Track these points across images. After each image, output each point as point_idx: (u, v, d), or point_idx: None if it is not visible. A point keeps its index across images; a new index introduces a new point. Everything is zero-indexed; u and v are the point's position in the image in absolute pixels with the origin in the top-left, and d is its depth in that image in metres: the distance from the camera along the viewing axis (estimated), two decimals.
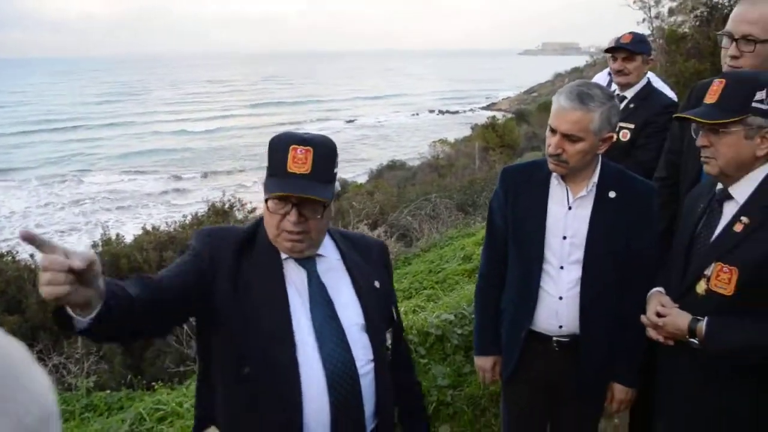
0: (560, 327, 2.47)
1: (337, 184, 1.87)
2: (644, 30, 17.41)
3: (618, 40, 3.87)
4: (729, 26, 2.52)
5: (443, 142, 35.51)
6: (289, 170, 1.75)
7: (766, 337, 2.00)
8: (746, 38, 2.44)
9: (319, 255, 1.91)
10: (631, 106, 3.70)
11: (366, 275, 1.98)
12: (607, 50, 3.99)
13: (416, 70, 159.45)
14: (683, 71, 12.13)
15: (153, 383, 5.52)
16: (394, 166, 33.52)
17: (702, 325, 2.09)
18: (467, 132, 39.93)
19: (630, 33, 3.93)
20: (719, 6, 12.29)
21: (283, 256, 1.87)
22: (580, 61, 64.53)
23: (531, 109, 46.10)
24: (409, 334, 4.32)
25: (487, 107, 70.86)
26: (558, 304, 2.46)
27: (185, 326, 6.73)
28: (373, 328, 1.90)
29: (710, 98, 2.10)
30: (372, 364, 1.88)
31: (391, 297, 2.13)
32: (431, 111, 76.16)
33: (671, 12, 17.47)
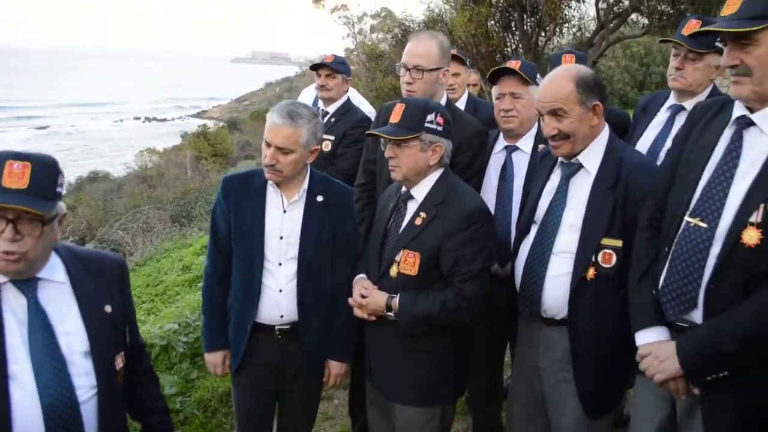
0: (281, 317, 2.78)
1: (62, 204, 1.86)
2: (349, 44, 18.86)
3: (322, 58, 4.37)
4: (403, 59, 3.10)
5: (152, 151, 34.00)
6: (4, 185, 1.71)
7: (433, 310, 2.52)
8: (417, 68, 3.02)
9: (42, 278, 1.87)
10: (333, 120, 4.23)
11: (96, 299, 1.97)
12: (312, 67, 4.49)
13: (122, 73, 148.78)
14: (382, 86, 13.57)
15: None
16: (96, 177, 31.19)
17: (396, 300, 2.57)
18: (177, 141, 38.75)
19: (332, 55, 4.49)
20: (410, 29, 13.93)
21: (2, 279, 1.81)
22: (291, 71, 66.58)
23: (243, 117, 46.51)
24: None
25: (198, 115, 69.57)
26: (279, 297, 2.76)
27: None
28: (98, 354, 1.92)
29: (394, 118, 2.60)
30: (95, 390, 1.91)
31: (129, 318, 2.16)
32: (137, 118, 71.87)
33: (372, 29, 19.22)
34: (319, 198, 2.79)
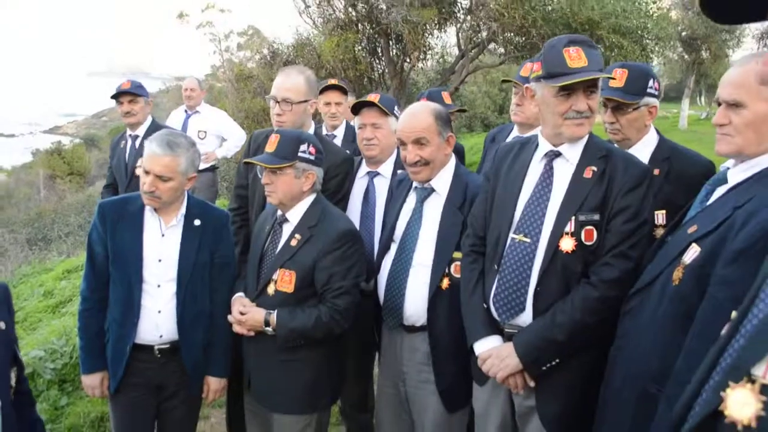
0: (161, 336, 2.89)
1: None
2: (215, 61, 18.52)
3: (119, 88, 4.72)
4: (273, 92, 3.35)
5: None
6: None
7: (309, 323, 2.74)
8: (286, 101, 3.28)
9: None
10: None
11: None
12: (113, 97, 4.78)
13: None
14: (251, 107, 13.56)
15: None
16: None
17: (273, 316, 2.77)
18: (28, 158, 36.10)
19: (128, 80, 4.82)
20: (279, 52, 14.04)
21: None
22: (152, 86, 63.94)
23: (101, 134, 44.14)
24: None
25: (51, 131, 65.12)
26: (158, 317, 2.88)
27: None
28: None
29: (270, 148, 2.82)
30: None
31: (13, 337, 2.25)
32: None
33: (239, 47, 19.04)
34: (197, 222, 2.94)
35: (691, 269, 1.88)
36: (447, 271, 2.74)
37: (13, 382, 2.11)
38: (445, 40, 14.41)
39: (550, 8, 11.56)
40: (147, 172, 2.78)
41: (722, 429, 0.96)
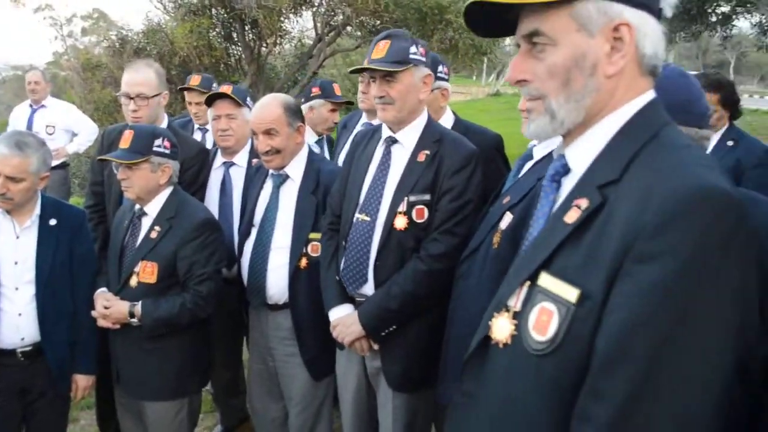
0: (22, 339, 2.86)
1: None
2: (58, 48, 17.34)
3: None
4: (125, 89, 3.38)
5: None
6: None
7: (173, 311, 2.85)
8: (140, 96, 3.33)
9: None
10: None
11: None
12: None
13: None
14: (101, 98, 12.88)
15: None
16: None
17: (138, 308, 2.86)
18: None
19: None
20: (129, 39, 13.42)
21: None
22: None
23: None
24: None
25: None
26: (18, 320, 2.85)
27: None
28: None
29: (124, 144, 2.88)
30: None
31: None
32: None
33: (84, 32, 17.92)
34: (52, 221, 2.93)
35: (506, 233, 2.18)
36: (305, 251, 2.95)
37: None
38: (303, 25, 14.45)
39: None
40: None
41: (491, 349, 1.26)
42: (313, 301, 2.91)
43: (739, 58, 52.16)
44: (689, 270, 0.97)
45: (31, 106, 6.82)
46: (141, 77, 3.36)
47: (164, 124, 3.42)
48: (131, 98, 3.34)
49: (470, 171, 2.59)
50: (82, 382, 3.07)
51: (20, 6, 15.75)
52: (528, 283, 1.19)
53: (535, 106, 1.25)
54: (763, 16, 15.23)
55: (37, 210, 2.91)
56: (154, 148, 2.88)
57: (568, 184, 1.25)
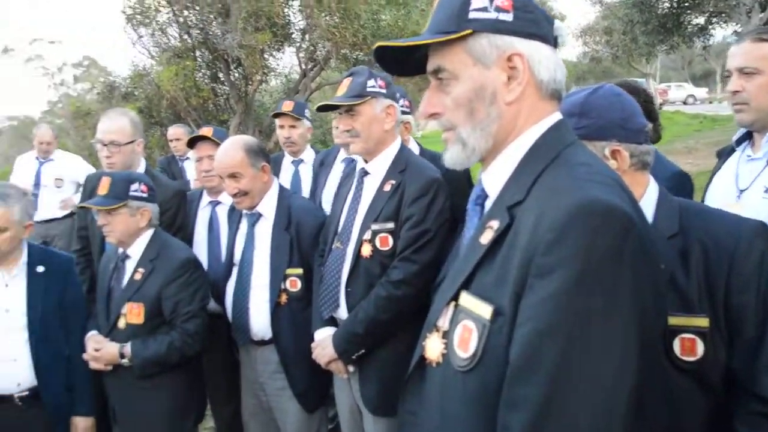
0: (18, 384, 2.92)
1: None
2: (52, 96, 17.58)
3: None
4: (99, 135, 3.49)
5: None
6: None
7: (162, 350, 2.93)
8: (113, 143, 3.45)
9: None
10: None
11: None
12: None
13: None
14: (94, 145, 12.97)
15: None
16: None
17: (127, 348, 2.94)
18: None
19: None
20: (116, 84, 13.63)
21: None
22: None
23: None
24: None
25: None
26: (14, 366, 2.91)
27: None
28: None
29: (102, 190, 2.99)
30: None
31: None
32: None
33: (76, 79, 18.19)
34: (40, 268, 3.01)
35: None
36: (283, 287, 3.04)
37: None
38: (288, 61, 14.69)
39: (383, 23, 12.19)
40: None
41: (427, 368, 1.33)
42: (297, 335, 3.00)
43: (724, 66, 52.64)
44: (583, 278, 1.04)
45: (38, 158, 6.88)
46: (114, 125, 3.48)
47: (141, 169, 3.52)
48: (105, 145, 3.45)
49: (429, 198, 2.68)
50: (82, 423, 3.10)
51: (11, 56, 16.01)
52: (453, 303, 1.27)
53: (449, 136, 1.35)
54: (737, 25, 15.53)
55: (24, 258, 3.00)
56: (131, 193, 2.99)
57: (488, 206, 1.34)
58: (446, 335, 1.26)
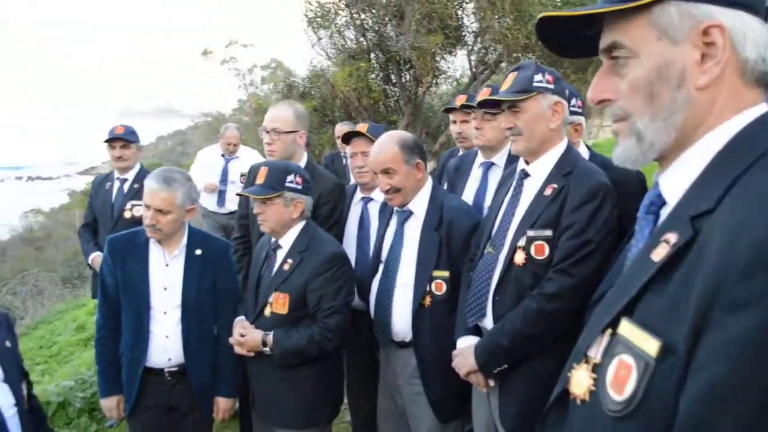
0: (169, 359, 3.10)
1: None
2: (241, 95, 18.90)
3: (111, 133, 4.99)
4: (264, 123, 3.57)
5: (37, 212, 32.46)
6: None
7: (302, 342, 2.93)
8: (274, 130, 3.50)
9: None
10: (136, 186, 4.87)
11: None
12: (106, 141, 5.01)
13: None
14: None
15: None
16: None
17: (270, 337, 2.98)
18: (65, 199, 37.06)
19: (122, 126, 5.06)
20: (295, 84, 14.35)
21: None
22: (182, 124, 64.70)
23: None
24: None
25: (86, 171, 66.61)
26: (166, 342, 3.09)
27: None
28: (11, 379, 2.35)
29: (259, 179, 3.04)
30: (16, 408, 2.32)
31: (20, 357, 2.57)
32: (19, 178, 68.09)
33: (263, 80, 19.49)
34: (198, 251, 3.16)
35: None
36: (428, 289, 2.91)
37: (24, 392, 2.44)
38: (458, 64, 14.59)
39: None
40: (147, 207, 3.02)
41: (570, 404, 1.10)
42: (437, 340, 2.87)
43: None
44: None
45: (223, 156, 7.28)
46: (278, 114, 3.55)
47: (302, 162, 3.56)
48: (267, 132, 3.53)
49: (595, 206, 2.41)
50: (223, 404, 3.25)
51: (210, 59, 17.45)
52: (609, 330, 1.04)
53: (621, 128, 1.12)
54: None
55: (185, 240, 3.15)
56: (287, 184, 3.02)
57: (665, 215, 1.08)
58: (597, 369, 1.04)
